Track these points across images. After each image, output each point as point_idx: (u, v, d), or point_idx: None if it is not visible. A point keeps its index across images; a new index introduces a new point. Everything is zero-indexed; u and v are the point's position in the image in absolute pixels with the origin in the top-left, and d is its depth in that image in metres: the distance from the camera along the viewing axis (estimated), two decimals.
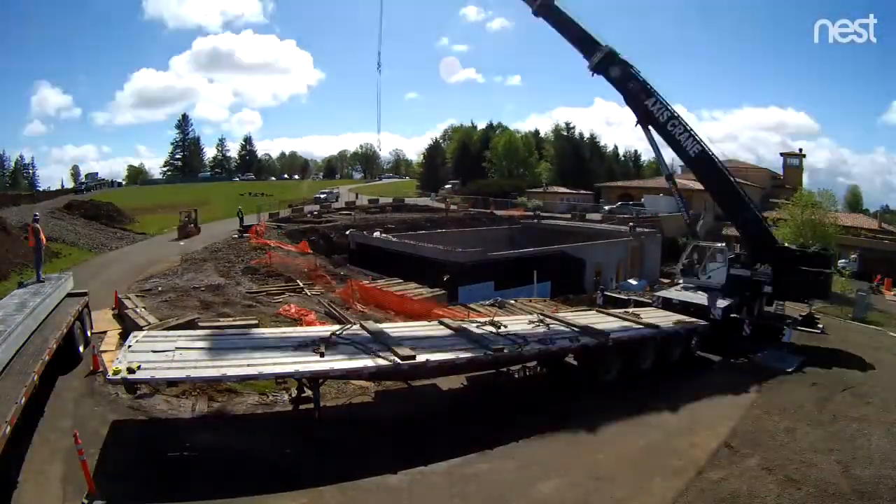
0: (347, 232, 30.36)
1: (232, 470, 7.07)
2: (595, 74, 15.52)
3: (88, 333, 11.34)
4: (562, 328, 11.31)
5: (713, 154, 15.50)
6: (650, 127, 15.62)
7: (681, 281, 17.22)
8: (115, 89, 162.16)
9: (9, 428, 5.73)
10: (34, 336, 8.63)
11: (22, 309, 8.94)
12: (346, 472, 7.12)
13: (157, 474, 6.83)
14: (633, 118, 15.86)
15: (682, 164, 17.61)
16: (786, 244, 15.74)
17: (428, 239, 26.93)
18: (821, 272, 15.03)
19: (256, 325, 12.26)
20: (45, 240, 13.50)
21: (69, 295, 11.37)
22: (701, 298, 15.42)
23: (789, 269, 15.06)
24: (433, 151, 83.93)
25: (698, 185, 17.33)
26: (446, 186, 62.11)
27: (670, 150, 16.19)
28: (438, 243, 24.71)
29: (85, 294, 11.64)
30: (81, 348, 10.47)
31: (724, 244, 17.04)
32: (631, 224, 31.76)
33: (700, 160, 15.46)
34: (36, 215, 13.54)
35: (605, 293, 18.22)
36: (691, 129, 15.41)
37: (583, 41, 15.50)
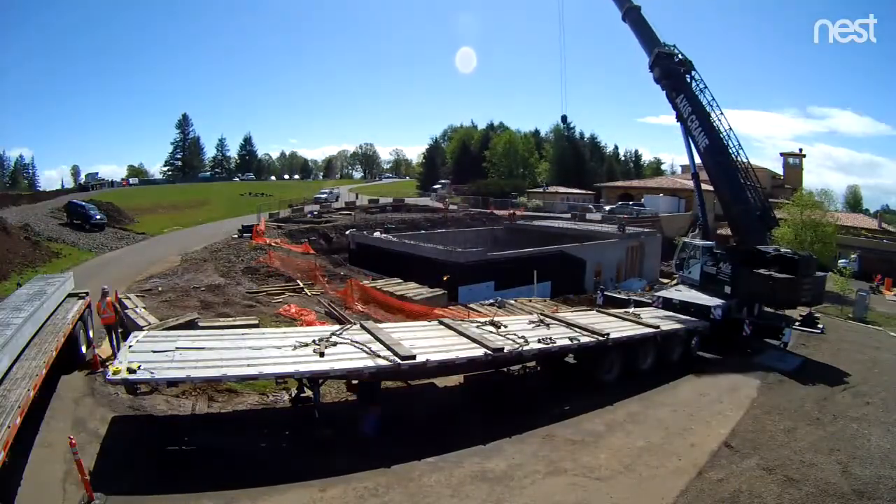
0: (347, 232, 30.34)
1: (232, 468, 7.07)
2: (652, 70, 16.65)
3: (91, 334, 11.24)
4: (562, 328, 11.32)
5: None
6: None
7: (676, 277, 17.29)
8: None
9: (11, 434, 5.70)
10: (35, 339, 8.56)
11: (21, 311, 8.76)
12: (346, 470, 7.13)
13: (157, 473, 6.84)
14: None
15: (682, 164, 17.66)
16: (764, 247, 15.16)
17: (427, 239, 26.91)
18: (771, 276, 14.00)
19: (256, 325, 12.25)
20: (112, 317, 10.85)
21: (70, 295, 11.26)
22: (701, 298, 15.43)
23: (747, 270, 14.68)
24: (433, 151, 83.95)
25: (709, 187, 17.37)
26: (435, 187, 61.79)
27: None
28: (436, 243, 24.70)
29: (86, 294, 11.55)
30: (84, 349, 10.40)
31: (710, 242, 16.94)
32: (621, 225, 31.33)
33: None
34: (105, 288, 11.09)
35: (605, 293, 18.23)
36: (713, 124, 15.79)
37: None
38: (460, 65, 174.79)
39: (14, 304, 9.39)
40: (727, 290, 15.33)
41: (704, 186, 17.61)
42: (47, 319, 9.55)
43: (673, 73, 16.11)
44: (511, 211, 43.92)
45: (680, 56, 16.26)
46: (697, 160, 16.55)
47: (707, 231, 17.70)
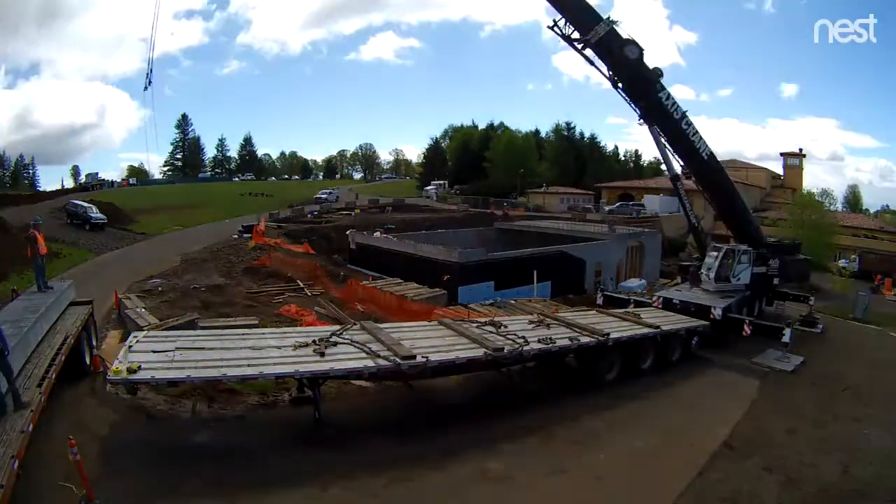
0: (348, 232, 30.34)
1: (233, 468, 7.07)
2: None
3: (94, 343, 10.86)
4: (562, 328, 11.32)
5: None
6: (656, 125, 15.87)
7: (709, 285, 16.64)
8: None
9: (17, 463, 5.55)
10: (40, 349, 8.32)
11: (23, 323, 8.35)
12: (346, 470, 7.13)
13: (157, 473, 6.84)
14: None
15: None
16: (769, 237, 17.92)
17: (427, 239, 26.91)
18: (807, 260, 19.63)
19: (256, 325, 12.26)
20: (44, 247, 11.40)
21: (72, 304, 10.94)
22: (701, 298, 15.43)
23: (791, 259, 17.94)
24: (433, 151, 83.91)
25: (694, 187, 17.37)
26: (427, 188, 61.65)
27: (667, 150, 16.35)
28: (436, 243, 24.67)
29: (90, 303, 11.25)
30: (88, 359, 9.96)
31: (747, 246, 17.15)
32: (611, 225, 31.13)
33: (711, 160, 15.92)
34: (36, 220, 12.03)
35: (605, 293, 18.22)
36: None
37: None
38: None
39: (15, 314, 9.02)
40: (776, 281, 17.71)
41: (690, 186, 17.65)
42: (50, 329, 9.31)
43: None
44: (505, 211, 43.91)
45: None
46: (675, 165, 16.52)
47: (700, 235, 17.81)
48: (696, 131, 15.63)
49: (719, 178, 16.68)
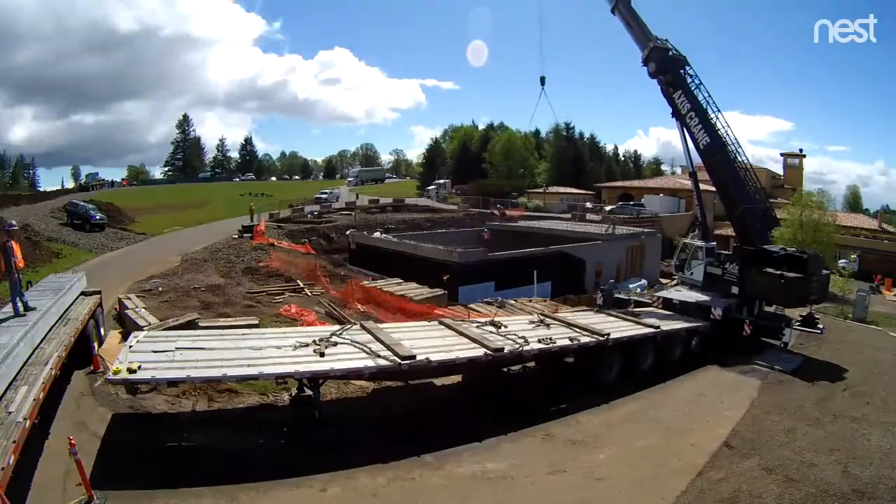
0: (348, 232, 30.35)
1: (232, 468, 7.07)
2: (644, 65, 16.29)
3: (102, 332, 11.46)
4: (562, 328, 11.32)
5: (724, 149, 15.55)
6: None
7: (675, 278, 17.16)
8: None
9: (13, 459, 5.49)
10: (49, 335, 8.63)
11: (35, 311, 8.82)
12: (346, 470, 7.13)
13: (157, 472, 6.83)
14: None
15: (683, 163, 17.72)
16: (770, 246, 14.94)
17: (427, 239, 26.90)
18: (783, 276, 13.79)
19: (256, 325, 12.26)
20: (21, 259, 9.55)
21: (83, 294, 11.47)
22: (701, 298, 15.43)
23: (756, 270, 14.45)
24: (433, 151, 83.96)
25: (708, 186, 17.32)
26: (430, 187, 61.64)
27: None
28: (436, 243, 24.66)
29: (98, 292, 11.73)
30: (96, 346, 10.52)
31: (710, 242, 16.79)
32: (611, 226, 31.05)
33: (707, 151, 15.62)
34: (11, 225, 10.06)
35: (605, 293, 18.20)
36: (711, 122, 15.50)
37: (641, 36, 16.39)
38: (471, 59, 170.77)
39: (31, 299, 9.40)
40: (734, 289, 15.20)
41: (704, 186, 17.56)
42: (62, 316, 9.69)
43: (669, 68, 15.69)
44: (503, 211, 43.96)
45: (673, 51, 15.89)
46: (695, 159, 16.45)
47: (706, 231, 17.67)
48: (699, 123, 15.43)
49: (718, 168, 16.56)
